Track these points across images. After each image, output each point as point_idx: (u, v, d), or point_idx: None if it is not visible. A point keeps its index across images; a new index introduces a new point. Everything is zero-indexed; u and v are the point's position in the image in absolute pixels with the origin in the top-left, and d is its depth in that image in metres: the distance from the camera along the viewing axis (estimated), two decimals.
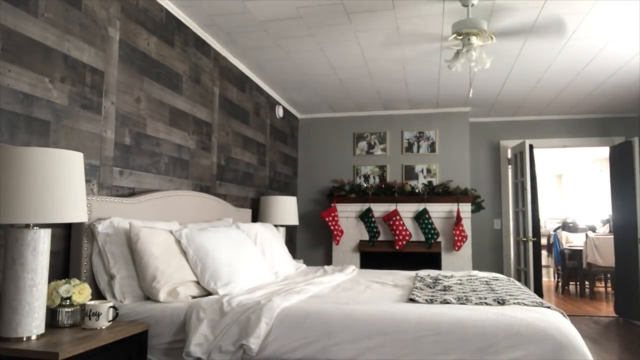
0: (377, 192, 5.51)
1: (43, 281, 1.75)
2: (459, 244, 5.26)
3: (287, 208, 4.51)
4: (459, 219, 5.28)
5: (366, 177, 5.88)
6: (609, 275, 7.19)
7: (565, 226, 9.60)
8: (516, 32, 3.44)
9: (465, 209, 5.36)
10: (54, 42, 2.17)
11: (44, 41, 2.11)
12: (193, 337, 2.06)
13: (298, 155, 6.10)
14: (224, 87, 3.93)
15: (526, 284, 5.42)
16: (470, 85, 4.47)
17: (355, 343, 2.02)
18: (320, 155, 6.06)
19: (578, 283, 7.53)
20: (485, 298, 2.43)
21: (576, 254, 7.41)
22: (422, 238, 5.36)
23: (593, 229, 8.92)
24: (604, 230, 8.81)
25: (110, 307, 1.96)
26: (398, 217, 5.36)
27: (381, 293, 2.78)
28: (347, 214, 5.59)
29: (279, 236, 3.98)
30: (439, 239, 5.35)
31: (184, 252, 2.54)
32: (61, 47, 2.21)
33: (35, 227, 1.73)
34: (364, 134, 5.94)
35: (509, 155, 6.07)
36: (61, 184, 1.70)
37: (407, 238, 5.34)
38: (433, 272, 3.67)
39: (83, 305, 1.96)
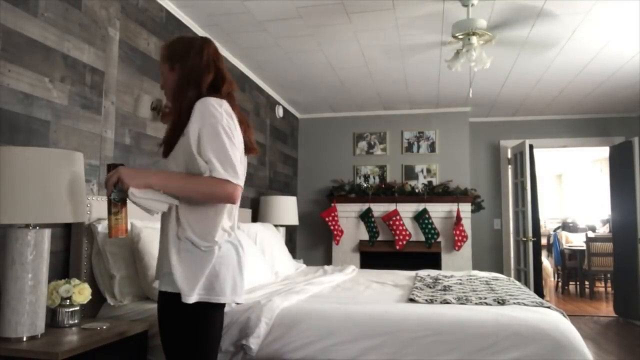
0: (377, 192, 5.51)
1: (43, 281, 1.75)
2: (459, 244, 5.26)
3: (287, 208, 4.51)
4: (459, 219, 5.28)
5: (366, 177, 5.88)
6: (608, 275, 7.19)
7: (565, 226, 9.61)
8: (516, 32, 3.44)
9: (465, 209, 5.36)
10: (53, 42, 2.17)
11: (43, 41, 2.11)
12: None
13: (298, 155, 6.10)
14: None
15: (526, 284, 5.42)
16: (470, 85, 4.47)
17: (355, 343, 2.02)
18: (320, 155, 6.05)
19: (578, 283, 7.53)
20: (485, 298, 2.43)
21: (576, 254, 7.41)
22: (422, 238, 5.36)
23: (593, 229, 8.92)
24: (604, 230, 8.81)
25: None
26: (398, 217, 5.35)
27: (381, 293, 2.78)
28: (347, 214, 5.59)
29: (279, 236, 3.98)
30: (439, 239, 5.35)
31: None
32: (61, 47, 2.21)
33: (35, 227, 1.73)
34: (364, 134, 5.94)
35: (509, 155, 6.06)
36: (61, 184, 1.70)
37: (407, 238, 5.34)
38: (433, 272, 3.67)
39: (83, 306, 1.96)
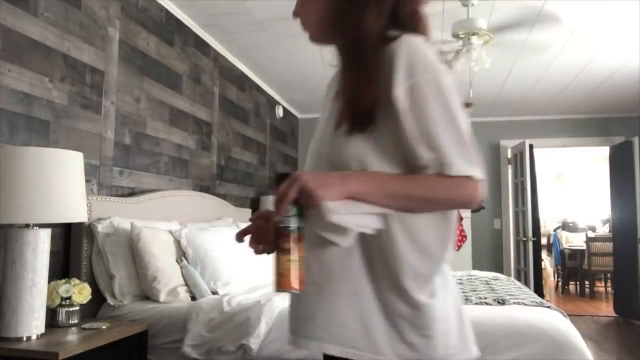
0: None
1: (43, 281, 1.75)
2: (459, 243, 5.25)
3: None
4: (459, 218, 5.28)
5: None
6: (608, 275, 7.19)
7: (565, 226, 9.60)
8: (516, 31, 3.43)
9: None
10: (53, 42, 2.17)
11: (43, 41, 2.11)
12: (190, 337, 2.06)
13: (298, 155, 6.09)
14: (224, 87, 3.93)
15: (526, 283, 5.42)
16: (470, 85, 4.47)
17: None
18: None
19: (578, 283, 7.53)
20: (485, 298, 2.43)
21: (576, 254, 7.41)
22: None
23: (593, 229, 8.92)
24: (604, 230, 8.80)
25: None
26: None
27: None
28: None
29: None
30: None
31: (184, 252, 2.54)
32: (61, 46, 2.21)
33: (35, 227, 1.73)
34: None
35: (509, 155, 6.06)
36: (61, 184, 1.70)
37: None
38: None
39: (83, 306, 1.96)
